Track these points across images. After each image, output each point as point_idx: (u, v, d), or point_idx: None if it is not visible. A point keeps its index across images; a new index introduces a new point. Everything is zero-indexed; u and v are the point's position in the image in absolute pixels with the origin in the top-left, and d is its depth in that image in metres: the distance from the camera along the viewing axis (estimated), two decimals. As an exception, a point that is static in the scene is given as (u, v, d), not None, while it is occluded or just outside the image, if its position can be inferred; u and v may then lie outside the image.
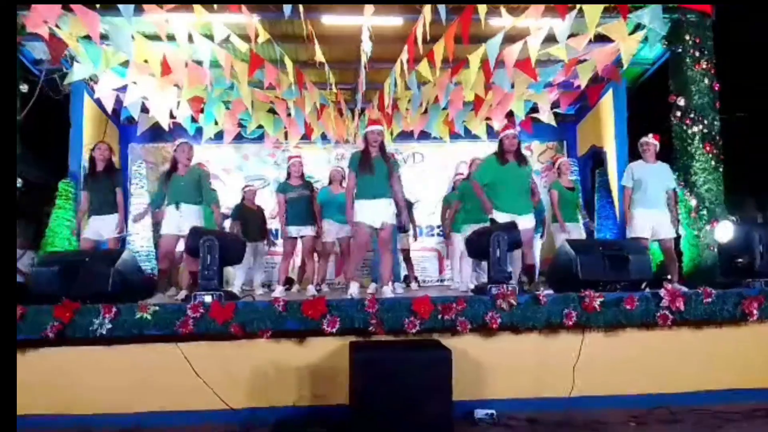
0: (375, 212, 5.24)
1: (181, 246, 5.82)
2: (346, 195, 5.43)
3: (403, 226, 6.38)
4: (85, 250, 5.77)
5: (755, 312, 4.07)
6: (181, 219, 5.73)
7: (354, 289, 5.10)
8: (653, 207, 5.74)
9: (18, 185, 7.51)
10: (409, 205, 7.87)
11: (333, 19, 7.62)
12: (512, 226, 4.67)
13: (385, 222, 5.26)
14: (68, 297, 3.70)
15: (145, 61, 6.62)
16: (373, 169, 5.26)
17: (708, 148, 7.36)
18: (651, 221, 5.72)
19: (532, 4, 6.24)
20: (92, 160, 6.13)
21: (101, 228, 6.01)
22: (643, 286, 4.51)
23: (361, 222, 5.27)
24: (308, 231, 6.61)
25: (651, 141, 5.93)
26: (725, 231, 5.14)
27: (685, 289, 4.38)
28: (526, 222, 5.34)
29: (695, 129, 7.41)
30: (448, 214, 7.33)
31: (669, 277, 5.70)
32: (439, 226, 9.53)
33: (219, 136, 8.90)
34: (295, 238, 6.60)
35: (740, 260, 4.88)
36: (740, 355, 4.18)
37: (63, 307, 3.62)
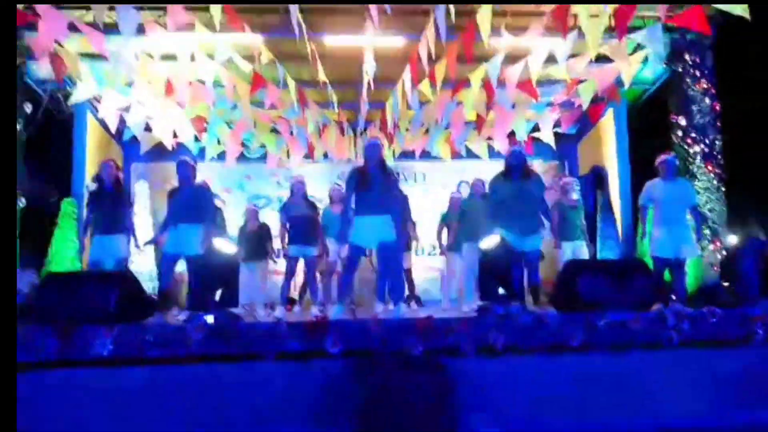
0: (372, 231, 5.14)
1: (180, 266, 5.78)
2: (342, 214, 5.35)
3: (407, 244, 6.39)
4: (87, 270, 5.73)
5: (760, 332, 4.04)
6: (181, 239, 5.66)
7: (336, 312, 4.98)
8: (675, 225, 5.57)
9: (21, 204, 7.53)
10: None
11: (335, 40, 7.69)
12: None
13: (384, 241, 5.17)
14: (70, 318, 3.69)
15: (149, 82, 6.67)
16: (371, 185, 5.16)
17: (710, 168, 7.38)
18: (673, 240, 5.55)
19: (534, 18, 6.28)
20: (99, 178, 6.05)
21: (107, 249, 5.87)
22: (648, 307, 4.48)
23: (354, 244, 5.19)
24: (311, 251, 6.58)
25: (669, 158, 5.78)
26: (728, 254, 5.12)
27: (690, 309, 4.35)
28: (533, 242, 5.31)
29: (696, 148, 7.44)
30: (444, 233, 7.35)
31: (674, 297, 5.66)
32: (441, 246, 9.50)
33: (222, 156, 8.93)
34: (297, 258, 6.58)
35: (742, 280, 4.86)
36: (747, 375, 4.13)
37: (65, 328, 3.60)
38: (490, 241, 5.20)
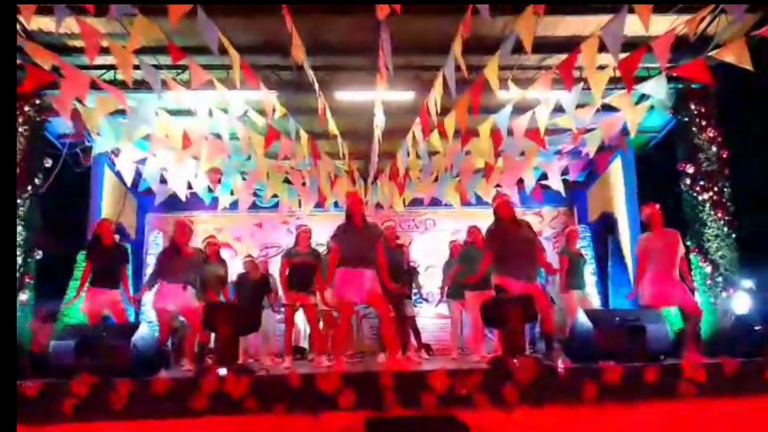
0: (358, 284, 5.10)
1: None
2: (329, 267, 5.31)
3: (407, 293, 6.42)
4: (103, 324, 5.79)
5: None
6: (171, 296, 5.78)
7: (338, 366, 4.97)
8: (663, 276, 5.53)
9: (38, 256, 7.66)
10: (414, 272, 7.87)
11: (346, 95, 7.90)
12: (527, 298, 4.64)
13: (370, 291, 5.11)
14: (86, 371, 3.71)
15: (167, 135, 6.87)
16: (357, 236, 5.17)
17: (720, 215, 7.39)
18: (662, 291, 5.50)
19: (541, 71, 6.45)
20: (96, 236, 6.20)
21: (102, 302, 6.00)
22: (662, 357, 4.44)
23: (340, 296, 5.16)
24: (306, 299, 6.57)
25: (649, 211, 5.77)
26: (743, 302, 5.08)
27: (705, 359, 4.31)
28: (536, 289, 5.30)
29: (705, 196, 7.47)
30: (444, 281, 7.39)
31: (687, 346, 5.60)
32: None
33: (234, 205, 9.07)
34: (294, 305, 6.55)
35: (758, 327, 4.82)
36: (765, 428, 4.05)
37: (80, 382, 3.62)
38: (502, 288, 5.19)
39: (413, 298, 7.78)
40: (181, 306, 5.85)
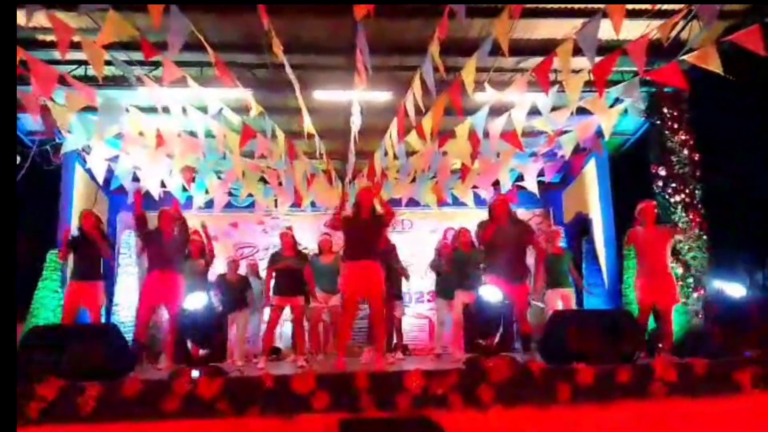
0: (362, 277, 5.21)
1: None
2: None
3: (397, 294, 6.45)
4: (72, 324, 5.66)
5: (747, 382, 4.06)
6: (162, 285, 5.68)
7: (340, 362, 5.00)
8: (654, 273, 5.60)
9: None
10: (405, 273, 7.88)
11: (323, 94, 7.86)
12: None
13: (373, 292, 5.22)
14: (54, 373, 3.62)
15: (140, 133, 6.75)
16: (360, 230, 5.27)
17: (691, 216, 7.53)
18: (653, 288, 5.56)
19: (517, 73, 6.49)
20: (80, 228, 6.10)
21: (83, 295, 5.90)
22: (635, 357, 4.49)
23: (347, 291, 5.24)
24: (296, 301, 6.55)
25: (646, 207, 5.77)
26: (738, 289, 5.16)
27: (676, 359, 4.37)
28: (520, 290, 5.34)
29: (677, 198, 7.60)
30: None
31: (661, 345, 5.68)
32: (429, 293, 9.54)
33: (209, 205, 8.96)
34: (281, 308, 6.51)
35: (725, 328, 4.91)
36: (734, 427, 4.12)
37: (47, 385, 3.53)
38: (486, 291, 5.19)
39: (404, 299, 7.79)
40: (168, 298, 5.69)
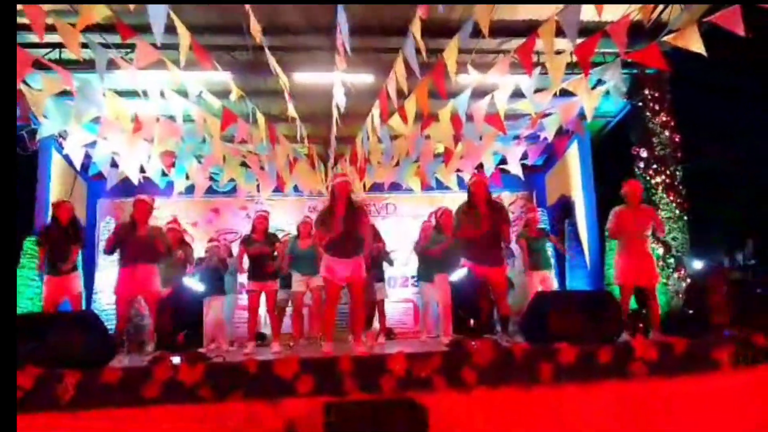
0: (342, 270, 5.14)
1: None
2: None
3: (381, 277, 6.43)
4: (49, 312, 5.59)
5: (725, 360, 4.12)
6: (137, 279, 5.59)
7: (328, 348, 5.00)
8: (635, 253, 5.60)
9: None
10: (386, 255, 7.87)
11: (304, 77, 7.77)
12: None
13: (354, 278, 5.16)
14: (32, 362, 3.56)
15: (117, 118, 6.61)
16: (340, 228, 5.09)
17: (672, 197, 7.59)
18: (633, 268, 5.59)
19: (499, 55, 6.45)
20: (54, 217, 6.02)
21: (60, 287, 5.86)
22: (616, 338, 4.53)
23: (329, 277, 5.18)
24: (269, 286, 6.52)
25: (630, 187, 5.76)
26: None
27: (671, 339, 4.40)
28: (498, 273, 5.35)
29: (658, 179, 7.66)
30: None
31: (641, 325, 5.74)
32: (413, 276, 9.54)
33: (190, 190, 8.85)
34: (257, 291, 6.49)
35: (705, 307, 4.97)
36: (714, 404, 4.19)
37: (25, 374, 3.48)
38: (459, 274, 5.23)
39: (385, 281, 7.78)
40: (144, 290, 5.66)
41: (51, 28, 5.29)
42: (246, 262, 6.64)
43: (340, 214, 5.13)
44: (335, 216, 5.13)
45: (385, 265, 7.60)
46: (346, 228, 5.10)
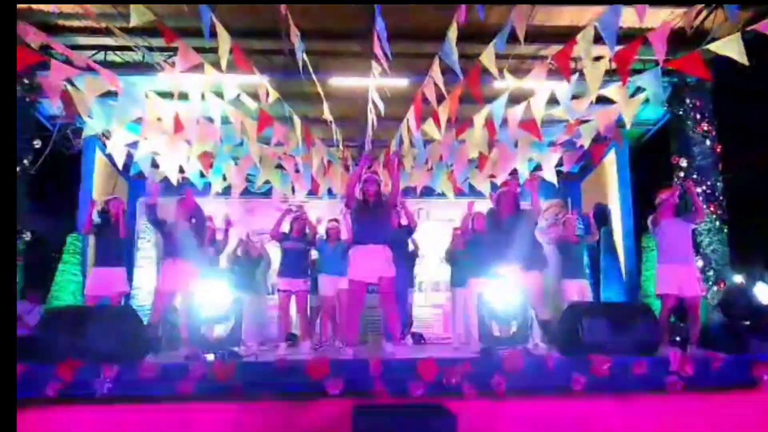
0: (369, 259, 5.13)
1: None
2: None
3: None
4: (90, 305, 5.74)
5: (765, 378, 4.00)
6: (179, 274, 5.65)
7: (350, 353, 4.94)
8: (677, 262, 5.45)
9: (26, 238, 7.58)
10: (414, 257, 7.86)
11: (340, 81, 7.83)
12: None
13: (383, 276, 5.15)
14: (73, 354, 3.68)
15: (158, 119, 6.78)
16: (369, 213, 5.22)
17: (712, 209, 7.39)
18: (676, 277, 5.42)
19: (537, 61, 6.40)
20: (105, 211, 6.20)
21: (106, 281, 6.00)
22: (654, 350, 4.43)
23: (355, 279, 5.18)
24: (300, 285, 6.54)
25: (667, 196, 5.66)
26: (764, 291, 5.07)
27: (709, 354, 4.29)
28: (533, 277, 5.31)
29: (698, 190, 7.47)
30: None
31: (678, 339, 5.60)
32: (444, 282, 9.49)
33: (227, 191, 9.00)
34: (288, 291, 6.53)
35: (747, 322, 4.83)
36: (751, 422, 4.07)
37: (65, 366, 3.59)
38: (499, 280, 5.19)
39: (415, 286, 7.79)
40: (183, 286, 5.66)
41: (97, 31, 5.47)
42: (277, 257, 6.70)
43: (370, 201, 5.29)
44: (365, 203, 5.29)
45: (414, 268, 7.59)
46: (373, 213, 5.22)
